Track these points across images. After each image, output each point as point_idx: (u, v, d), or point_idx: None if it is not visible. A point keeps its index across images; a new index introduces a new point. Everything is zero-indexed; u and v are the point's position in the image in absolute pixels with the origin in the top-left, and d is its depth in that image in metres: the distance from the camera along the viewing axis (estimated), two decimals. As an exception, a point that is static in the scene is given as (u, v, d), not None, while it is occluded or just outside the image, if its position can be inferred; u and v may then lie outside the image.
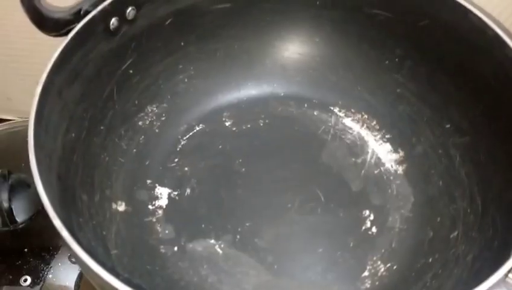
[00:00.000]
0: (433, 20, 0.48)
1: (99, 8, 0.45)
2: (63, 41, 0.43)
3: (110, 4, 0.46)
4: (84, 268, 0.33)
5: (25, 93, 0.50)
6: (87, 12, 0.45)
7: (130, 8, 0.48)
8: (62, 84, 0.43)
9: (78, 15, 0.45)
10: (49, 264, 0.50)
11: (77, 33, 0.44)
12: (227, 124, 0.54)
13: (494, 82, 0.44)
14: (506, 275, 0.32)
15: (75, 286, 0.49)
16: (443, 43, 0.48)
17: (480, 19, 0.43)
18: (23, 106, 0.52)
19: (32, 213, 0.53)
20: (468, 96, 0.47)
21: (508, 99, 0.43)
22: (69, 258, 0.51)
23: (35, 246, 0.51)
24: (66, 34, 0.44)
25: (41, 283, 0.49)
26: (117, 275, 0.31)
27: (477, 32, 0.44)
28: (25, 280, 0.49)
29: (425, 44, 0.50)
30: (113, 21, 0.47)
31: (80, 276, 0.49)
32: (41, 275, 0.49)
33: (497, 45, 0.43)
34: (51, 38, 0.45)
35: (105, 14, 0.46)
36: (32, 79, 0.42)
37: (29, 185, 0.52)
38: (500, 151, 0.44)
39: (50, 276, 0.49)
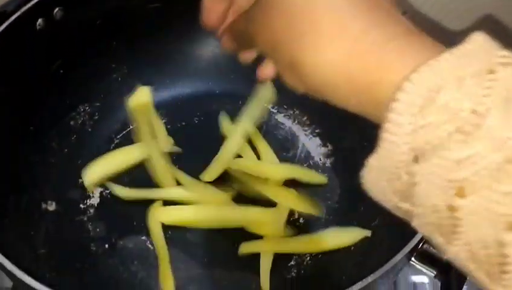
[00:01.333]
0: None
1: (24, 9, 0.45)
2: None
3: (35, 5, 0.46)
4: (2, 269, 0.34)
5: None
6: (12, 13, 0.45)
7: (57, 9, 0.48)
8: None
9: (2, 16, 0.45)
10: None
11: (1, 32, 0.44)
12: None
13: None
14: (408, 259, 0.34)
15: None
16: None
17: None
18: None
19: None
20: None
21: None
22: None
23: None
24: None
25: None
26: (42, 274, 0.32)
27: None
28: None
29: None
30: (40, 22, 0.47)
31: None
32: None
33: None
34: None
35: (31, 15, 0.46)
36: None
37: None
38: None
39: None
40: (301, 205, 0.47)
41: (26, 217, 0.44)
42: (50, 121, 0.50)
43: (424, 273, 0.45)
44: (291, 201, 0.47)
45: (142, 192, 0.48)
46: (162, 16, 0.54)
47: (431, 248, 0.34)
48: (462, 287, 0.33)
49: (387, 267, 0.32)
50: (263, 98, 0.53)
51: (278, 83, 0.55)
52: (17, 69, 0.46)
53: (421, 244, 0.34)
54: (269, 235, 0.45)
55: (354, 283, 0.32)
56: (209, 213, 0.47)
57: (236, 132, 0.51)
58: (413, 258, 0.34)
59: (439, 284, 0.48)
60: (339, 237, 0.46)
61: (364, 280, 0.31)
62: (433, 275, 0.35)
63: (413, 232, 0.36)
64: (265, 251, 0.44)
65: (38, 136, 0.48)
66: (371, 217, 0.46)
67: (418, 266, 0.35)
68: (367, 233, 0.45)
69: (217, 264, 0.45)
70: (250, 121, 0.52)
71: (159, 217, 0.46)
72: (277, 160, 0.51)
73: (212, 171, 0.49)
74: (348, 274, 0.42)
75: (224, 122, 0.54)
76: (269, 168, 0.48)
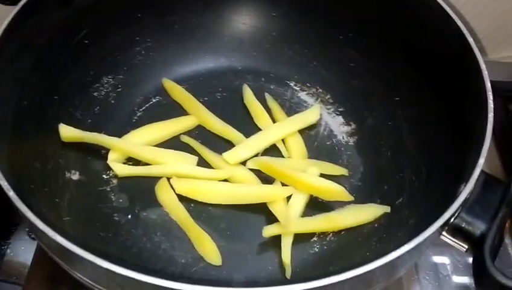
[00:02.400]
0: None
1: (51, -24, 0.45)
2: (14, 9, 0.43)
3: (63, -27, 0.45)
4: (33, 230, 0.34)
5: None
6: (40, -20, 0.45)
7: (83, -22, 0.48)
8: (13, 52, 0.43)
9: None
10: (8, 240, 0.50)
11: (28, 1, 0.44)
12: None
13: (441, 58, 0.46)
14: (440, 233, 0.34)
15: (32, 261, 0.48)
16: (394, 20, 0.50)
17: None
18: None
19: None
20: (418, 71, 0.49)
21: (453, 76, 0.45)
22: (28, 233, 0.50)
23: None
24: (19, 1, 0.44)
25: (0, 259, 0.49)
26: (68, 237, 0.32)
27: (423, 8, 0.46)
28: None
29: (377, 20, 0.51)
30: (67, -10, 0.47)
31: (36, 251, 0.49)
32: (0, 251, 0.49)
33: (443, 20, 0.45)
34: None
35: (58, -17, 0.46)
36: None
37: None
38: (445, 124, 0.45)
39: (9, 251, 0.49)
40: (326, 194, 0.46)
41: (51, 184, 0.43)
42: (74, 91, 0.49)
43: (450, 251, 0.45)
44: (315, 191, 0.46)
45: (142, 169, 0.47)
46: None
47: (463, 223, 0.34)
48: (494, 261, 0.32)
49: (418, 240, 0.31)
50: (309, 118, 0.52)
51: (300, 60, 0.56)
52: (43, 38, 0.46)
53: (452, 219, 0.34)
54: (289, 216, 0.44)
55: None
56: (222, 189, 0.47)
57: (276, 129, 0.51)
58: (444, 233, 0.34)
59: (460, 266, 0.48)
60: (358, 214, 0.45)
61: (397, 250, 0.31)
62: (464, 249, 0.35)
63: (442, 210, 0.36)
64: (287, 233, 0.43)
65: (63, 105, 0.48)
66: (395, 196, 0.46)
67: (449, 240, 0.34)
68: (386, 209, 0.45)
69: (240, 237, 0.45)
70: (293, 128, 0.51)
71: (176, 187, 0.46)
72: (306, 153, 0.50)
73: (237, 156, 0.48)
74: (372, 250, 0.42)
75: (247, 93, 0.54)
76: (296, 177, 0.46)
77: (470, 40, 0.42)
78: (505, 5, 0.62)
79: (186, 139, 0.51)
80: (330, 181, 0.46)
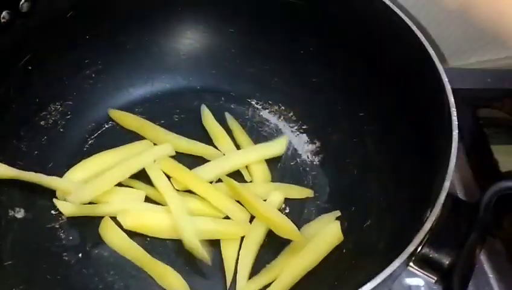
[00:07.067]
0: (343, 8, 0.48)
1: (-15, 0, 0.42)
2: None
3: (-1, -4, 0.42)
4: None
5: None
6: (-28, 5, 0.42)
7: (23, 0, 0.45)
8: None
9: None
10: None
11: (-40, 27, 0.40)
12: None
13: (402, 70, 0.44)
14: (406, 265, 0.32)
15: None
16: (354, 33, 0.48)
17: (385, 4, 0.43)
18: None
19: None
20: (382, 86, 0.47)
21: (415, 89, 0.43)
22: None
23: None
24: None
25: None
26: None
27: (383, 20, 0.44)
28: None
29: (337, 34, 0.49)
30: (4, 14, 0.44)
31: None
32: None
33: (404, 32, 0.43)
34: None
35: (-6, 7, 0.43)
36: None
37: None
38: (409, 141, 0.43)
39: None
40: (280, 231, 0.42)
41: (-9, 226, 0.40)
42: (18, 121, 0.46)
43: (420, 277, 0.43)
44: (271, 225, 0.43)
45: (89, 208, 0.43)
46: (137, 6, 0.51)
47: (430, 253, 0.32)
48: (465, 293, 0.30)
49: (383, 276, 0.29)
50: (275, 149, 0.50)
51: (261, 77, 0.54)
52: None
53: (420, 248, 0.31)
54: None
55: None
56: (172, 223, 0.43)
57: (238, 156, 0.48)
58: (411, 264, 0.32)
59: (435, 287, 0.46)
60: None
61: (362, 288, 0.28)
62: (433, 281, 0.32)
63: (411, 235, 0.33)
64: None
65: (5, 137, 0.45)
66: (363, 218, 0.44)
67: (417, 272, 0.32)
68: (336, 213, 0.44)
69: (198, 272, 0.42)
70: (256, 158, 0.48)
71: (123, 223, 0.42)
72: (269, 177, 0.48)
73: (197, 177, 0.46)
74: (341, 279, 0.40)
75: (205, 114, 0.51)
76: (257, 206, 0.44)
77: (430, 50, 0.40)
78: (469, 10, 0.61)
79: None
80: (286, 218, 0.43)
